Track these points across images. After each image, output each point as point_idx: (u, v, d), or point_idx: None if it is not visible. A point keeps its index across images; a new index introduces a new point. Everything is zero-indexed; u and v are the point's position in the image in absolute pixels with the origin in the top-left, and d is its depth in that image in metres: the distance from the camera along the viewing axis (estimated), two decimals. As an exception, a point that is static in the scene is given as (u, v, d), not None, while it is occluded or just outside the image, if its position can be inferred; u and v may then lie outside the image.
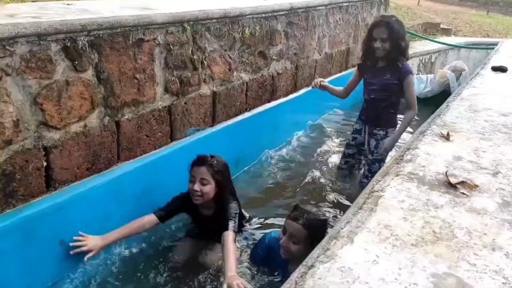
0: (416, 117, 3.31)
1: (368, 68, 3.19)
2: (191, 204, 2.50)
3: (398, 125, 3.22)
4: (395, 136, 3.15)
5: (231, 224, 2.35)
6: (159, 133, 2.93)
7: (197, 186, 2.42)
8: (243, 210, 2.73)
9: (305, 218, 2.17)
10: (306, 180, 3.62)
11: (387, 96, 3.12)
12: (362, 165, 3.50)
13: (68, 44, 2.21)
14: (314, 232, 2.12)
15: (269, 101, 4.09)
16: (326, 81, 3.43)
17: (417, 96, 5.79)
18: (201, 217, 2.60)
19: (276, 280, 2.37)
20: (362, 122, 3.32)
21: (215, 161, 2.48)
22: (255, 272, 2.46)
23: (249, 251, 2.61)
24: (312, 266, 1.12)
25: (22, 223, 2.11)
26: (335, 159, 4.00)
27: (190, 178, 2.47)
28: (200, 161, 2.47)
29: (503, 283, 1.12)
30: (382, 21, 2.97)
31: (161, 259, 2.61)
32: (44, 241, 2.22)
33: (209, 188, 2.43)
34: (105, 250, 2.46)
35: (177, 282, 2.47)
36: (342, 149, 4.22)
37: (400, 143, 3.34)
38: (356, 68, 3.38)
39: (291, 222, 2.19)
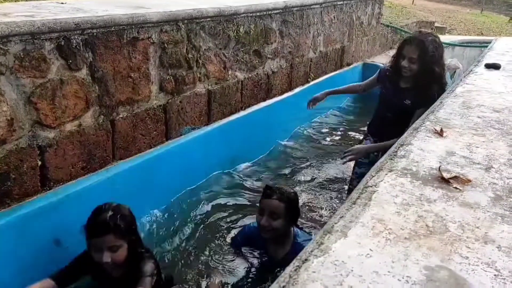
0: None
1: (390, 81, 2.85)
2: (95, 264, 1.98)
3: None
4: (372, 147, 2.86)
5: (148, 281, 1.91)
6: (154, 132, 2.93)
7: (107, 257, 1.91)
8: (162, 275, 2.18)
9: (279, 193, 2.24)
10: (302, 179, 3.63)
11: (403, 119, 2.71)
12: None
13: (62, 43, 2.21)
14: (290, 203, 2.25)
15: (264, 100, 4.10)
16: (320, 95, 3.26)
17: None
18: (109, 280, 2.07)
19: (256, 260, 2.44)
20: (373, 137, 2.99)
21: (118, 220, 1.94)
22: (236, 255, 2.51)
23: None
24: (306, 260, 1.13)
25: (17, 223, 2.11)
26: (329, 160, 4.02)
27: (94, 248, 1.96)
28: (102, 229, 1.92)
29: (495, 275, 1.13)
30: (415, 39, 2.64)
31: None
32: (39, 241, 2.22)
33: (122, 254, 1.95)
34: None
35: None
36: (339, 147, 4.25)
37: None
38: (377, 72, 3.02)
39: (268, 200, 2.24)
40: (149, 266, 1.99)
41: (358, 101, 5.79)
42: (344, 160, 2.86)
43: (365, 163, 2.95)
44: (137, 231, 2.07)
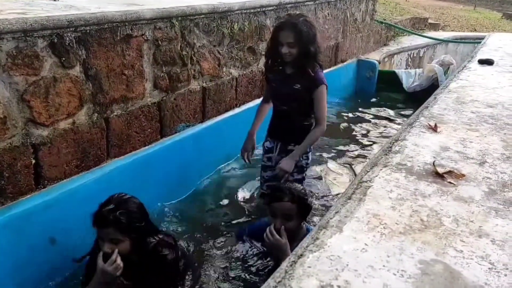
0: (405, 112, 3.25)
1: (275, 73, 2.71)
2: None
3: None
4: (295, 154, 2.66)
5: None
6: (149, 130, 2.92)
7: (107, 248, 1.92)
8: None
9: (290, 193, 2.21)
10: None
11: (299, 107, 2.69)
12: None
13: (55, 40, 2.19)
14: (301, 202, 2.23)
15: (259, 97, 4.08)
16: (249, 142, 2.88)
17: (405, 90, 5.94)
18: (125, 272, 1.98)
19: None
20: (273, 139, 2.87)
21: (119, 215, 1.91)
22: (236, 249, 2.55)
23: None
24: (301, 255, 1.13)
25: (11, 221, 2.10)
26: (322, 153, 4.03)
27: (98, 236, 2.00)
28: (102, 221, 1.94)
29: (489, 268, 1.14)
30: (288, 23, 2.51)
31: None
32: (34, 239, 2.21)
33: (125, 247, 1.94)
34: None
35: None
36: (332, 140, 4.26)
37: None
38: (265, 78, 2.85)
39: (279, 203, 2.21)
40: (162, 261, 2.00)
41: (348, 97, 5.81)
42: (286, 180, 2.66)
43: (269, 165, 2.90)
44: (143, 227, 1.98)
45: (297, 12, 2.61)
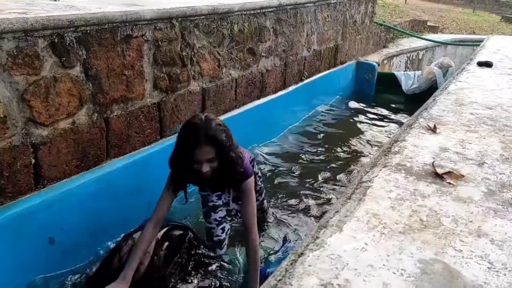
0: (404, 114, 3.20)
1: (194, 183, 2.37)
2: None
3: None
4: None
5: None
6: (149, 130, 2.92)
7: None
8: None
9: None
10: (294, 178, 3.64)
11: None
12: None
13: (56, 40, 2.19)
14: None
15: (258, 98, 4.10)
16: None
17: (404, 92, 5.95)
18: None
19: None
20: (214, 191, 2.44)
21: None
22: None
23: None
24: (302, 254, 1.14)
25: (11, 221, 2.10)
26: (322, 159, 4.03)
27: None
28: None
29: (488, 267, 1.14)
30: (204, 137, 1.98)
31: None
32: (33, 239, 2.21)
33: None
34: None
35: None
36: (331, 146, 4.27)
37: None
38: (166, 190, 2.22)
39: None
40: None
41: (347, 98, 5.83)
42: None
43: (219, 205, 2.45)
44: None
45: (202, 115, 2.03)
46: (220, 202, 2.44)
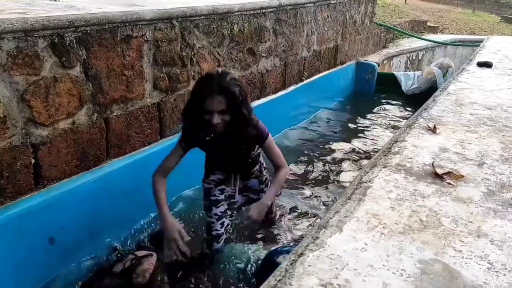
0: (404, 114, 3.24)
1: (204, 142, 2.26)
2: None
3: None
4: (266, 201, 2.28)
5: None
6: (148, 130, 2.92)
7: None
8: None
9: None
10: (296, 175, 3.64)
11: (251, 157, 2.38)
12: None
13: (56, 40, 2.19)
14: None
15: (258, 98, 4.10)
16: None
17: (404, 93, 5.95)
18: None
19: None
20: (224, 172, 2.44)
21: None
22: None
23: None
24: (301, 254, 1.14)
25: (11, 221, 2.10)
26: (321, 157, 4.03)
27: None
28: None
29: (488, 268, 1.14)
30: (217, 87, 2.01)
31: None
32: (33, 239, 2.21)
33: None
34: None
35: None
36: (330, 146, 4.27)
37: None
38: (178, 144, 2.26)
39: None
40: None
41: (347, 99, 5.83)
42: (253, 227, 2.41)
43: (221, 199, 2.46)
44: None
45: (220, 68, 2.10)
46: (222, 197, 2.44)
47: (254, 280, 2.30)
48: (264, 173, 2.54)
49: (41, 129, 2.22)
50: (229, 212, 2.51)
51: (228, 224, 2.52)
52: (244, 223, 2.26)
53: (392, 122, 5.22)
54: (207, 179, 2.45)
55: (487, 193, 1.55)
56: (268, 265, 2.14)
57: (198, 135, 2.20)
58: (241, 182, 2.43)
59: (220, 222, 2.45)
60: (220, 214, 2.45)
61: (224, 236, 2.50)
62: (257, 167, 2.45)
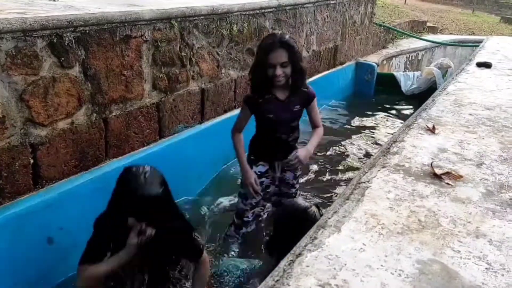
0: (403, 114, 3.25)
1: (266, 102, 2.45)
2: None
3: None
4: (310, 147, 2.54)
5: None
6: (147, 130, 2.92)
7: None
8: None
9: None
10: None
11: (296, 129, 2.60)
12: (265, 211, 2.81)
13: (54, 40, 2.19)
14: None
15: (257, 98, 4.10)
16: (250, 175, 2.55)
17: (404, 93, 5.96)
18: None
19: None
20: (268, 162, 2.62)
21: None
22: None
23: None
24: (299, 254, 1.14)
25: (9, 221, 2.10)
26: (322, 160, 4.03)
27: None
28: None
29: (486, 268, 1.14)
30: (278, 42, 2.31)
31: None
32: (32, 239, 2.21)
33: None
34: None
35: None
36: (328, 143, 4.27)
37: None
38: (243, 104, 2.57)
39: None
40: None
41: (346, 99, 5.83)
42: (299, 166, 2.63)
43: (261, 191, 2.61)
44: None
45: (276, 31, 2.49)
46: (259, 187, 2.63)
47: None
48: (299, 171, 2.76)
49: (40, 129, 2.22)
50: (261, 203, 2.72)
51: (257, 215, 2.74)
52: (291, 162, 2.49)
53: (391, 122, 5.22)
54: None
55: (485, 193, 1.55)
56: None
57: (263, 93, 2.45)
58: (279, 173, 2.65)
59: (252, 211, 2.68)
60: (254, 204, 2.66)
61: (252, 224, 2.73)
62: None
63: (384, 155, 1.83)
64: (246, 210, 2.66)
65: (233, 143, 2.59)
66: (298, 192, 2.87)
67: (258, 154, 2.62)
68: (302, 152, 2.48)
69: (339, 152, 4.20)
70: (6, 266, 2.10)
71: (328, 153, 4.15)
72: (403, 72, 6.67)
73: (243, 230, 2.70)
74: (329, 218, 1.32)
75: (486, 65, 3.72)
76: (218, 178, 3.56)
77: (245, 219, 2.68)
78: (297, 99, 2.49)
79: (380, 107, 5.71)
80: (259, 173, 2.60)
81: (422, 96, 5.39)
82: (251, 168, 2.59)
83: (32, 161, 2.22)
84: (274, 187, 2.69)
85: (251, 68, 2.48)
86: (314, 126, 2.66)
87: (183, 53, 3.06)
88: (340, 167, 3.87)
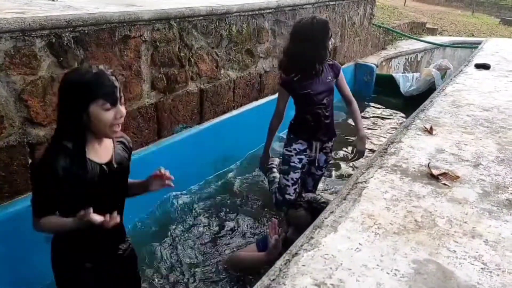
0: (402, 115, 3.26)
1: (302, 80, 2.59)
2: None
3: (356, 124, 2.81)
4: (362, 134, 2.75)
5: None
6: (146, 131, 2.93)
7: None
8: None
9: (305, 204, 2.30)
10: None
11: (332, 102, 2.72)
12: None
13: (53, 40, 2.20)
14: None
15: (256, 99, 4.10)
16: (266, 160, 2.98)
17: (403, 94, 5.96)
18: None
19: None
20: (307, 141, 2.75)
21: None
22: None
23: None
24: (296, 254, 1.14)
25: (7, 220, 2.10)
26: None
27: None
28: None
29: (481, 268, 1.15)
30: (324, 19, 2.63)
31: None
32: (30, 239, 2.20)
33: None
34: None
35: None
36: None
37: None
38: (280, 87, 2.76)
39: (294, 211, 2.31)
40: None
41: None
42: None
43: (299, 168, 2.76)
44: None
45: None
46: (299, 165, 2.77)
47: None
48: (331, 155, 2.96)
49: (39, 128, 2.23)
50: (299, 181, 2.84)
51: (297, 193, 2.83)
52: (356, 158, 2.80)
53: (389, 123, 5.22)
54: (290, 148, 2.78)
55: (482, 194, 1.55)
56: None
57: (300, 75, 2.59)
58: (315, 153, 2.78)
59: (293, 187, 2.79)
60: (296, 180, 2.79)
61: (292, 200, 2.80)
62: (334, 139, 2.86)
63: (382, 156, 1.84)
64: (288, 186, 2.79)
65: (269, 127, 2.84)
66: (323, 177, 3.02)
67: (297, 132, 2.77)
68: (362, 145, 2.75)
69: (337, 152, 4.20)
70: (4, 266, 2.10)
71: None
72: (402, 73, 6.67)
73: (284, 209, 2.81)
74: (325, 218, 1.33)
75: (484, 66, 3.73)
76: (217, 179, 3.55)
77: (287, 196, 2.79)
78: (327, 71, 2.64)
79: (378, 108, 5.71)
80: (298, 150, 2.76)
81: (421, 97, 5.39)
82: (291, 145, 2.77)
83: (30, 160, 2.22)
84: (307, 165, 2.84)
85: (293, 52, 2.56)
86: (348, 100, 2.81)
87: (182, 54, 3.06)
88: (337, 167, 3.87)
